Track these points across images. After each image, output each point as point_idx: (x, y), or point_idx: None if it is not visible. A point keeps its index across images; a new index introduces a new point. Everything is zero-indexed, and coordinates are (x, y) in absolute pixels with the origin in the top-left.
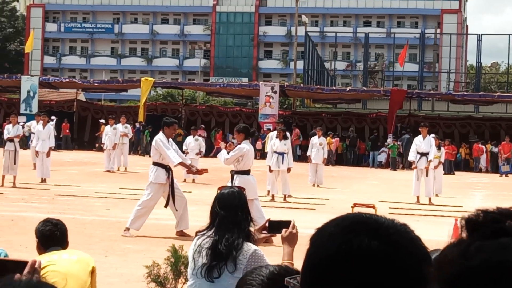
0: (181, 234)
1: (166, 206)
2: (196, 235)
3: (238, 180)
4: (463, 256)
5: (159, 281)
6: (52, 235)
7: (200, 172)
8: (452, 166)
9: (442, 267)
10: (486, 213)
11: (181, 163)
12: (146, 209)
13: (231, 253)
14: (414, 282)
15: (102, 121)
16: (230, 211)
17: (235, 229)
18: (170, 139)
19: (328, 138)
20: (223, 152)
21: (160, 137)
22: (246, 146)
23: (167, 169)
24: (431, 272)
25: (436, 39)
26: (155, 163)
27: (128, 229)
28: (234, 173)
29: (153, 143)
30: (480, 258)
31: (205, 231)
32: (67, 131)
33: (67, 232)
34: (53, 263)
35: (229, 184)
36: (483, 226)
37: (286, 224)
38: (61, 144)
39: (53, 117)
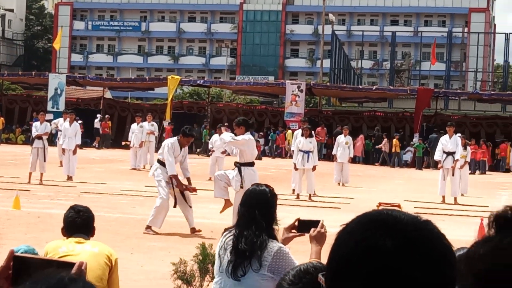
0: (195, 231)
1: (174, 206)
2: (223, 232)
3: (247, 172)
4: (495, 251)
5: (185, 278)
6: (73, 222)
7: (189, 189)
8: (486, 166)
9: (472, 263)
10: None
11: (174, 176)
12: (164, 206)
13: (256, 252)
14: (434, 278)
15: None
16: (249, 208)
17: (252, 226)
18: (184, 148)
19: (395, 140)
20: (228, 134)
21: (171, 141)
22: (249, 137)
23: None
24: (460, 268)
25: (464, 38)
26: (160, 162)
27: (149, 227)
28: (239, 165)
29: (163, 143)
30: None
31: (232, 229)
32: (106, 129)
33: (92, 220)
34: (70, 254)
35: (235, 174)
36: None
37: (315, 223)
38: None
39: (98, 115)
